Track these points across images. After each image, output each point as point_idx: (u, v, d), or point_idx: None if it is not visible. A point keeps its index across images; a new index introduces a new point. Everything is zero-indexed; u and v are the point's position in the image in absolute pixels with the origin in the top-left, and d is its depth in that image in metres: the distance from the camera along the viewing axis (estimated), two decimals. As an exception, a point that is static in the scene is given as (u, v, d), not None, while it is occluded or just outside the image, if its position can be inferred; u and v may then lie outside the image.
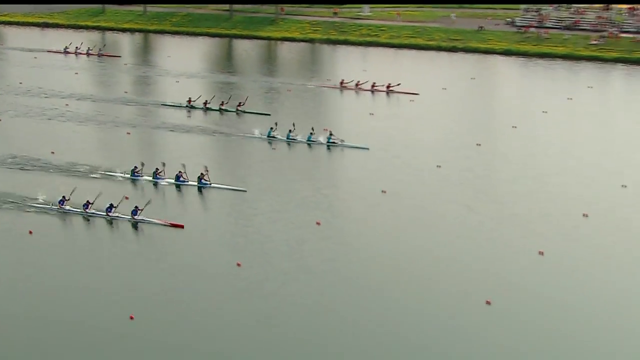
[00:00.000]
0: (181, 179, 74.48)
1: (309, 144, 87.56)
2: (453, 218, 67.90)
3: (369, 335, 49.81)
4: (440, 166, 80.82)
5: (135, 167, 75.61)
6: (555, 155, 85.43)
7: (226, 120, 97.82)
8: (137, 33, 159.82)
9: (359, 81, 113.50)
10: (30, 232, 63.51)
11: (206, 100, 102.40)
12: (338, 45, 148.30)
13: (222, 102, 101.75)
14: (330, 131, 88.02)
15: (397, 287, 55.88)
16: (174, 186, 74.48)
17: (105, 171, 76.94)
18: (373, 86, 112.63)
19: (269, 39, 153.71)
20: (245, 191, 72.66)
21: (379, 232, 65.35)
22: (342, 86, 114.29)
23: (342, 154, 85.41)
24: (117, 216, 65.88)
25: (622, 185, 75.79)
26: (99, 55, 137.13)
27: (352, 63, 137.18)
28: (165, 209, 68.78)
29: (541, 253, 60.65)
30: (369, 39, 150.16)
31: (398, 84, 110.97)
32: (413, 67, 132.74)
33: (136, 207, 65.64)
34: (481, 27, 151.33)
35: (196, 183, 74.10)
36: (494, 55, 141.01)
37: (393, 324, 51.24)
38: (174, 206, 70.96)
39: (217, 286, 55.29)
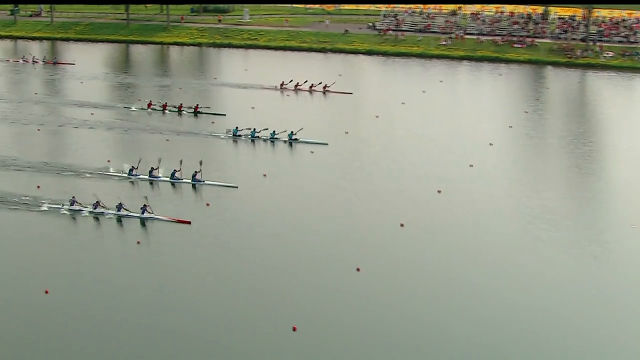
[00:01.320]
0: (176, 176, 71.86)
1: (272, 141, 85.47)
2: (325, 196, 68.47)
3: (253, 299, 50.64)
4: (313, 152, 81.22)
5: (133, 167, 72.76)
6: (412, 139, 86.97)
7: (186, 121, 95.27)
8: (44, 41, 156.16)
9: (297, 83, 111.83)
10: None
11: (165, 103, 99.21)
12: (223, 49, 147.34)
13: (181, 104, 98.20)
14: (292, 130, 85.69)
15: (279, 256, 56.97)
16: (169, 184, 71.71)
17: (102, 171, 74.05)
18: (311, 87, 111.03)
19: (161, 43, 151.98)
20: (237, 187, 70.53)
21: (265, 209, 65.96)
22: (282, 88, 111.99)
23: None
24: (127, 214, 63.08)
25: (470, 165, 77.15)
26: (25, 61, 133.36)
27: (235, 63, 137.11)
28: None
29: (402, 225, 61.46)
30: (249, 42, 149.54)
31: (333, 82, 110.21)
32: (287, 66, 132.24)
33: (145, 205, 63.10)
34: (346, 30, 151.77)
35: (190, 180, 71.41)
36: (358, 54, 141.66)
37: (279, 290, 52.21)
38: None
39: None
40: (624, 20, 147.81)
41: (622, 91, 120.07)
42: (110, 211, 63.53)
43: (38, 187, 69.19)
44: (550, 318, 48.56)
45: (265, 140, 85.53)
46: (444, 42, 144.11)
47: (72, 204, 64.08)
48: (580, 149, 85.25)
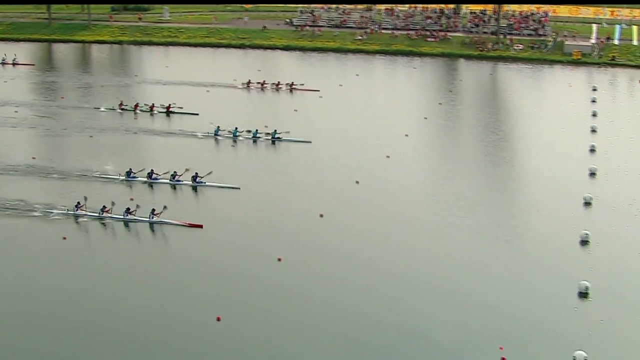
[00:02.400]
0: (176, 178, 70.00)
1: (254, 140, 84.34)
2: (244, 187, 68.83)
3: (176, 291, 51.07)
4: (234, 145, 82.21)
5: (131, 169, 70.80)
6: (329, 132, 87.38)
7: (160, 121, 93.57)
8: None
9: (264, 81, 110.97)
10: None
11: (137, 104, 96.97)
12: (143, 46, 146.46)
13: (152, 104, 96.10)
14: (275, 129, 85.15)
15: (198, 248, 57.50)
16: (168, 186, 69.90)
17: (101, 174, 71.87)
18: (277, 85, 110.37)
19: (83, 42, 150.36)
20: (239, 188, 69.26)
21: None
22: (249, 85, 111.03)
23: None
24: (135, 219, 60.89)
25: (387, 156, 78.21)
26: None
27: (156, 61, 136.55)
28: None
29: (321, 215, 62.22)
30: (170, 39, 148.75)
31: (302, 84, 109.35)
32: (207, 62, 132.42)
33: (153, 209, 61.00)
34: (264, 27, 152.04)
35: (191, 182, 69.59)
36: (276, 50, 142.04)
37: (202, 281, 52.73)
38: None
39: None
40: (532, 14, 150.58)
41: (531, 82, 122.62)
42: (117, 216, 61.27)
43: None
44: (464, 300, 49.71)
45: (246, 139, 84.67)
46: (359, 37, 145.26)
47: (77, 209, 62.07)
48: (490, 138, 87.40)
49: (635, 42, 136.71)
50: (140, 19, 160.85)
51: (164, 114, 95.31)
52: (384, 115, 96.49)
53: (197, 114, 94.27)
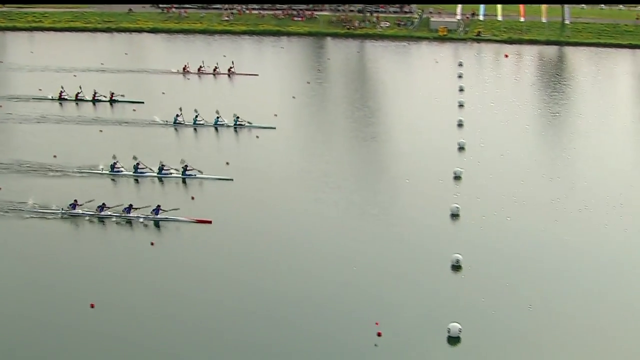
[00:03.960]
0: (164, 171, 66.44)
1: (215, 128, 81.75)
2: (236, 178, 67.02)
3: (51, 276, 49.14)
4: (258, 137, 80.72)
5: (115, 163, 66.70)
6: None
7: (105, 110, 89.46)
8: None
9: (200, 66, 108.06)
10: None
11: (78, 92, 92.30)
12: (7, 32, 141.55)
13: (95, 92, 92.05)
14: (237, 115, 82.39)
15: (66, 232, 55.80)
16: (156, 179, 66.41)
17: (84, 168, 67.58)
18: (215, 70, 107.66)
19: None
20: (232, 180, 65.92)
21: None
22: (185, 71, 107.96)
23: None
24: (138, 216, 57.11)
25: (256, 136, 77.51)
26: None
27: (20, 46, 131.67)
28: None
29: (193, 198, 61.08)
30: (34, 24, 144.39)
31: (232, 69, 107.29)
32: (73, 47, 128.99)
33: (158, 206, 57.24)
34: (130, 9, 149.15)
35: (180, 175, 66.10)
36: (143, 33, 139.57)
37: (76, 267, 50.78)
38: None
39: None
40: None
41: (397, 59, 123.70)
42: (117, 214, 57.62)
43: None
44: (335, 277, 49.26)
45: (209, 126, 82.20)
46: (226, 18, 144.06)
47: (73, 207, 58.16)
48: (358, 115, 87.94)
49: (499, 18, 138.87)
50: (2, 4, 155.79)
51: (107, 102, 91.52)
52: (252, 96, 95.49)
53: (143, 102, 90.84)
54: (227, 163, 69.27)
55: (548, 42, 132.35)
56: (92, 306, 44.85)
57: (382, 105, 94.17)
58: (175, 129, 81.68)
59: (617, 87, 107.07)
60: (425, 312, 45.22)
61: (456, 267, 50.33)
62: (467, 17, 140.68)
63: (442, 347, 42.03)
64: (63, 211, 58.01)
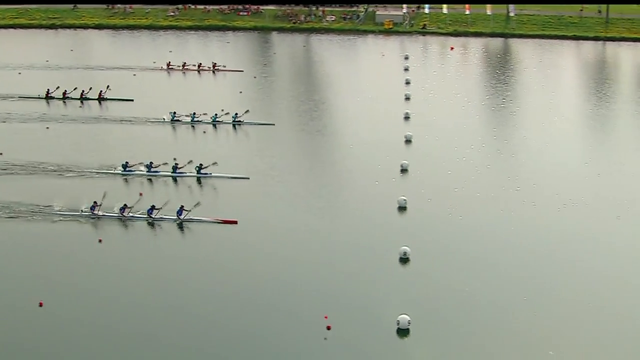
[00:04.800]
0: (178, 170, 65.76)
1: (214, 125, 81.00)
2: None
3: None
4: (205, 131, 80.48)
5: (127, 162, 66.03)
6: (143, 110, 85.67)
7: (98, 108, 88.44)
8: None
9: (184, 62, 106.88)
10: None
11: (65, 91, 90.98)
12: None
13: (83, 91, 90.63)
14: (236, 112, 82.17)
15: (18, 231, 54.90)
16: (170, 179, 65.69)
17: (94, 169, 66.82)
18: (199, 67, 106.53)
19: None
20: (248, 178, 65.36)
21: None
22: (169, 68, 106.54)
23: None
24: (161, 217, 56.63)
25: (203, 132, 77.42)
26: None
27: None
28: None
29: (141, 194, 60.68)
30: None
31: (224, 66, 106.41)
32: (19, 45, 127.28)
33: (182, 206, 56.70)
34: (75, 5, 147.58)
35: (195, 173, 65.51)
36: (89, 29, 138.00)
37: (24, 266, 50.46)
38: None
39: None
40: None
41: (343, 52, 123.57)
42: (139, 215, 57.07)
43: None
44: (283, 272, 49.61)
45: (207, 124, 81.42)
46: (171, 13, 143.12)
47: (92, 209, 57.34)
48: (302, 108, 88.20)
49: (445, 11, 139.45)
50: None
51: (96, 101, 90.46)
52: (199, 91, 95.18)
53: (132, 100, 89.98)
54: (175, 159, 68.64)
55: (493, 35, 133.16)
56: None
57: (329, 98, 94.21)
58: (173, 127, 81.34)
59: (561, 78, 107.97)
60: (374, 305, 45.50)
61: (404, 260, 50.64)
62: (413, 11, 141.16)
63: (391, 339, 42.37)
64: (84, 213, 57.25)
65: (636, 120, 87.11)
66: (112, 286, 48.06)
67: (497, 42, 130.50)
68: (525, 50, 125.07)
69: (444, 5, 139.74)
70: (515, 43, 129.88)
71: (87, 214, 57.23)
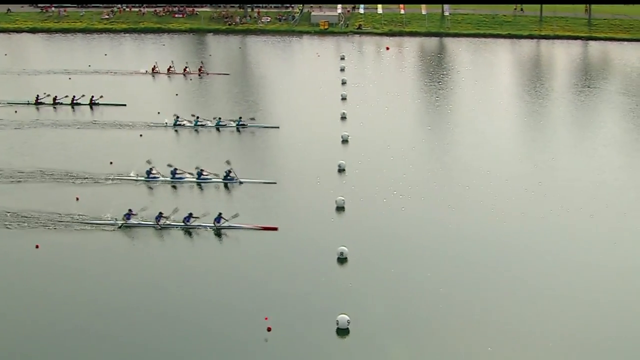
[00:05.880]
0: (202, 176, 64.46)
1: (217, 129, 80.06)
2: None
3: None
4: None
5: (151, 169, 64.63)
6: (83, 115, 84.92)
7: (94, 114, 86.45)
8: None
9: (170, 66, 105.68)
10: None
11: (55, 96, 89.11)
12: None
13: (74, 96, 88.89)
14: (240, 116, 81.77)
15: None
16: (195, 184, 64.29)
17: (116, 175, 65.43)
18: (185, 70, 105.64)
19: None
20: (275, 183, 64.21)
21: None
22: (154, 72, 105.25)
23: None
24: (199, 225, 55.31)
25: (140, 135, 76.70)
26: None
27: None
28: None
29: (77, 199, 60.06)
30: None
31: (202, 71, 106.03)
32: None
33: (220, 213, 55.42)
34: (9, 9, 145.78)
35: (222, 180, 64.45)
36: (23, 33, 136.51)
37: None
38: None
39: None
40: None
41: (279, 53, 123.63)
42: (177, 223, 55.51)
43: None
44: (222, 275, 49.49)
45: (211, 128, 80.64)
46: (106, 16, 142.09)
47: (128, 218, 55.81)
48: (237, 109, 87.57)
49: (380, 11, 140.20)
50: None
51: (88, 107, 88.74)
52: (132, 93, 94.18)
53: (125, 105, 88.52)
54: (111, 163, 68.14)
55: (428, 34, 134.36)
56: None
57: (264, 99, 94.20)
58: (176, 131, 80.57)
59: (496, 76, 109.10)
60: (313, 306, 45.54)
61: (342, 260, 50.72)
62: (348, 11, 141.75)
63: (331, 339, 42.40)
64: (119, 221, 56.01)
65: (569, 116, 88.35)
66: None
67: (433, 41, 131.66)
68: (460, 49, 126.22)
69: (379, 5, 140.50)
70: (450, 42, 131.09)
71: (119, 222, 56.01)
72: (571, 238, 54.44)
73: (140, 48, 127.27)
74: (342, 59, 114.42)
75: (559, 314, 44.90)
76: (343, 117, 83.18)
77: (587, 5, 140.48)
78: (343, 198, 59.67)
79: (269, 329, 42.48)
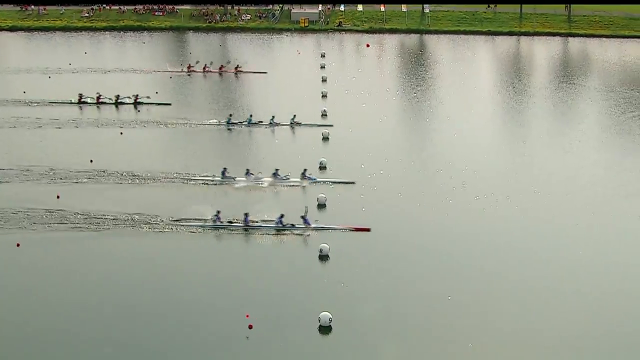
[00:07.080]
0: (278, 176, 63.43)
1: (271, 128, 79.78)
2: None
3: None
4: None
5: (225, 168, 63.85)
6: (63, 110, 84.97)
7: (140, 114, 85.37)
8: None
9: (205, 65, 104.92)
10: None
11: (99, 95, 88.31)
12: None
13: (117, 95, 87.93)
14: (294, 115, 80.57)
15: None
16: (273, 186, 63.22)
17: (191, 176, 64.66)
18: (221, 68, 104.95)
19: None
20: (354, 183, 63.30)
21: None
22: (190, 70, 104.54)
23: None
24: (291, 225, 54.48)
25: (120, 133, 76.40)
26: None
27: None
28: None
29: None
30: None
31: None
32: None
33: (306, 208, 55.13)
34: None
35: (299, 179, 63.46)
36: (2, 31, 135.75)
37: None
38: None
39: None
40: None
41: (259, 50, 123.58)
42: (270, 225, 54.83)
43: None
44: (203, 274, 49.37)
45: (266, 126, 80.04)
46: (86, 14, 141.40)
47: (215, 220, 55.13)
48: (216, 106, 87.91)
49: (360, 8, 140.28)
50: None
51: (132, 105, 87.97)
52: (114, 91, 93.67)
53: (170, 104, 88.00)
54: (91, 161, 67.69)
55: (408, 31, 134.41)
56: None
57: (245, 96, 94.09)
58: (229, 129, 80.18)
59: (475, 72, 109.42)
60: (295, 303, 45.44)
61: (324, 257, 50.64)
62: (328, 8, 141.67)
63: (313, 337, 42.31)
64: (208, 223, 55.38)
65: (548, 111, 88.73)
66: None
67: (413, 38, 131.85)
68: (440, 46, 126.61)
69: (359, 3, 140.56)
70: (430, 39, 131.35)
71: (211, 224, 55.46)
72: (551, 234, 54.60)
73: (120, 46, 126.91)
74: (323, 56, 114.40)
75: (543, 310, 44.98)
76: (324, 115, 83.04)
77: (567, 5, 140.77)
78: (324, 195, 59.78)
79: (250, 327, 42.32)
